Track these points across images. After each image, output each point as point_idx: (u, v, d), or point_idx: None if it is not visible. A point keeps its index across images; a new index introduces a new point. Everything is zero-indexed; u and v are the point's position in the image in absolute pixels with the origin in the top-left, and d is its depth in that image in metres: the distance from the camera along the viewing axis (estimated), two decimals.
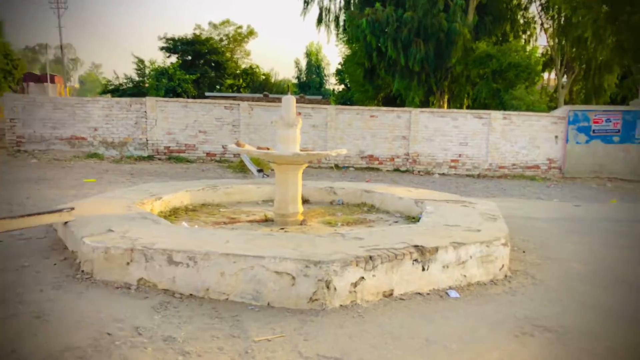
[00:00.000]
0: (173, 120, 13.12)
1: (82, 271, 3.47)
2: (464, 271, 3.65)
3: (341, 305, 3.12)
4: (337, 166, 13.58)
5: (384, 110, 13.70)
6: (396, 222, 5.32)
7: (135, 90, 23.17)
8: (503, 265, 3.89)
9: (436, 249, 3.53)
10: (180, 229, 3.98)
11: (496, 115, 13.41)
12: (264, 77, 32.09)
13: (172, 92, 21.91)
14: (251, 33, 33.19)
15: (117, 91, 23.38)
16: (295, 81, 37.02)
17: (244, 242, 3.47)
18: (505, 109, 15.57)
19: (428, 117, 13.46)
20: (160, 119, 13.08)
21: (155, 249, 3.29)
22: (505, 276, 3.88)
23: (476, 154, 13.44)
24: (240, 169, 11.76)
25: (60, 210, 4.04)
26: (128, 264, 3.32)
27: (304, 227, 4.90)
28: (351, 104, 25.83)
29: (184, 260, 3.23)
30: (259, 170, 10.35)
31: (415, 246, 3.51)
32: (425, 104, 19.40)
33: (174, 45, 28.34)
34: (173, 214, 5.35)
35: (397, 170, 13.65)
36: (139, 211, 4.50)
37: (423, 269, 3.46)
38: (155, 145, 13.05)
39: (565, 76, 19.86)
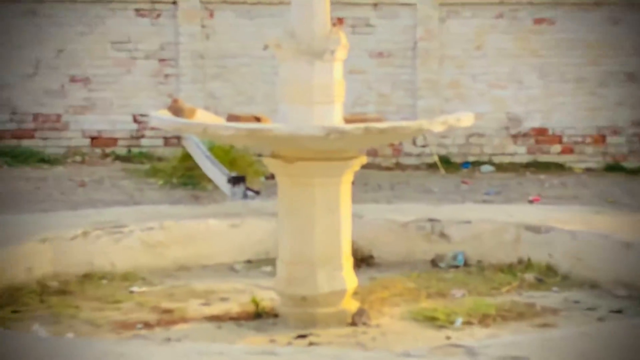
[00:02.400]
0: (1, 51, 13.44)
1: None
2: None
3: None
4: (446, 161, 13.54)
5: (571, 1, 13.62)
6: (618, 311, 5.38)
7: None
8: None
9: None
10: (31, 340, 4.01)
11: None
12: None
13: None
14: None
15: None
16: None
17: None
18: None
19: None
20: None
21: None
22: None
23: None
24: (185, 176, 11.87)
25: None
26: None
27: (362, 331, 4.96)
28: None
29: None
30: (235, 180, 10.41)
31: None
32: None
33: None
34: (9, 303, 5.47)
35: (613, 166, 13.50)
36: None
37: None
38: None
39: None
